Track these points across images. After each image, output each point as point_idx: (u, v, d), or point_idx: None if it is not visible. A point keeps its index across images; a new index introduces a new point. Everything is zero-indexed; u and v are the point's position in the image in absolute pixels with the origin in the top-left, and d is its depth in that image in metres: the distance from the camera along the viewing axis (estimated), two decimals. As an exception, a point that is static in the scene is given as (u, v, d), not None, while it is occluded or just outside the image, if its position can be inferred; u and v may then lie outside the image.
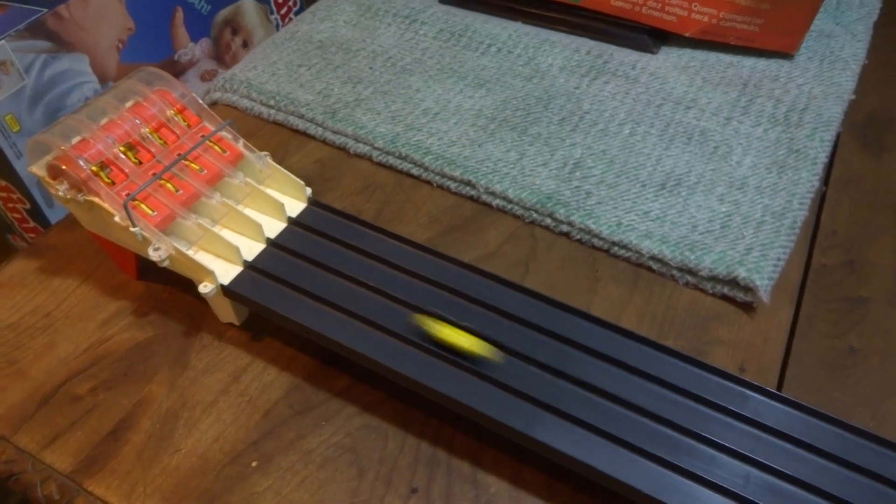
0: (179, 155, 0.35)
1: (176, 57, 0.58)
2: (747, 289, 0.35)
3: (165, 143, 0.35)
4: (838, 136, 0.45)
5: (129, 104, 0.36)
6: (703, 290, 0.36)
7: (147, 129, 0.35)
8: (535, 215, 0.40)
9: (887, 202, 0.41)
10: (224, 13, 0.65)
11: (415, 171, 0.43)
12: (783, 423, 0.29)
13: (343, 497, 0.28)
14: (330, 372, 0.33)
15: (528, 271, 0.37)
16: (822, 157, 0.42)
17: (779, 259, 0.37)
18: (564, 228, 0.39)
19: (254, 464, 0.29)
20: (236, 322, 0.34)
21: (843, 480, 0.27)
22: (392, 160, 0.43)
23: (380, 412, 0.31)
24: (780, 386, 0.33)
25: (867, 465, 0.28)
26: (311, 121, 0.46)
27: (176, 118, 0.36)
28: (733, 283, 0.36)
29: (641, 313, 0.35)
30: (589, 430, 0.29)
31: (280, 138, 0.46)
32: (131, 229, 0.32)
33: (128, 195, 0.32)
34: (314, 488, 0.28)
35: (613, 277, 0.37)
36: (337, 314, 0.32)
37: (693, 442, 0.29)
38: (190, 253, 0.32)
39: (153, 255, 0.32)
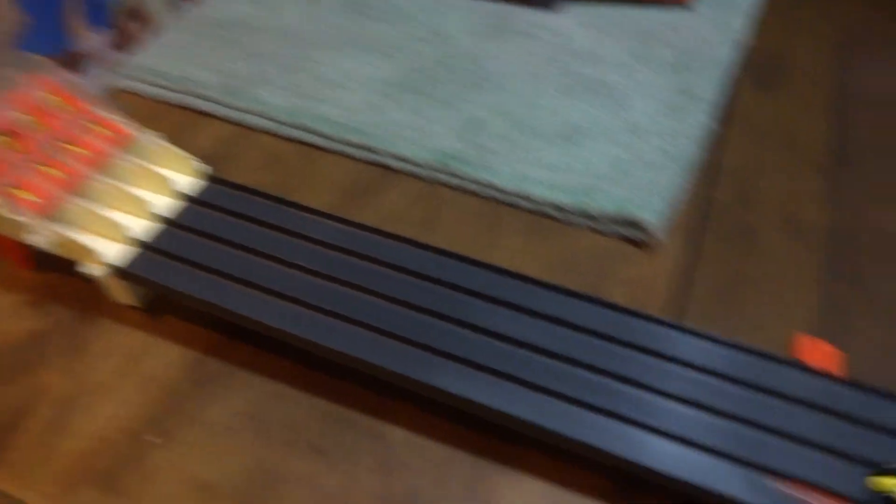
0: (61, 140, 0.34)
1: (75, 48, 0.56)
2: (643, 228, 0.36)
3: (49, 129, 0.34)
4: (734, 78, 0.46)
5: (5, 93, 0.35)
6: (602, 233, 0.37)
7: (28, 118, 0.34)
8: (438, 175, 0.40)
9: (780, 138, 0.42)
10: (125, 0, 0.63)
11: (318, 141, 0.43)
12: (683, 351, 0.30)
13: (247, 464, 0.28)
14: (233, 344, 0.32)
15: (434, 230, 0.38)
16: (717, 99, 0.43)
17: (674, 197, 0.37)
18: (468, 186, 0.39)
19: (157, 441, 0.29)
20: (134, 304, 0.34)
21: (745, 401, 0.28)
22: (295, 133, 0.43)
23: (285, 378, 0.31)
24: (679, 318, 0.33)
25: (768, 384, 0.29)
26: (213, 100, 0.45)
27: (60, 104, 0.35)
28: (630, 223, 0.36)
29: (544, 260, 0.36)
30: (490, 373, 0.29)
31: (182, 120, 0.45)
32: (11, 217, 0.31)
33: (5, 183, 0.32)
34: (218, 459, 0.28)
35: (517, 229, 0.37)
36: (239, 287, 0.32)
37: (595, 376, 0.29)
38: (75, 236, 0.32)
39: (36, 241, 0.31)
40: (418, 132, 0.42)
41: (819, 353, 0.30)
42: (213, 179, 0.37)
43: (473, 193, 0.39)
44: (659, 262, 0.36)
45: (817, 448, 0.27)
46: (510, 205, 0.38)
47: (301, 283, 0.32)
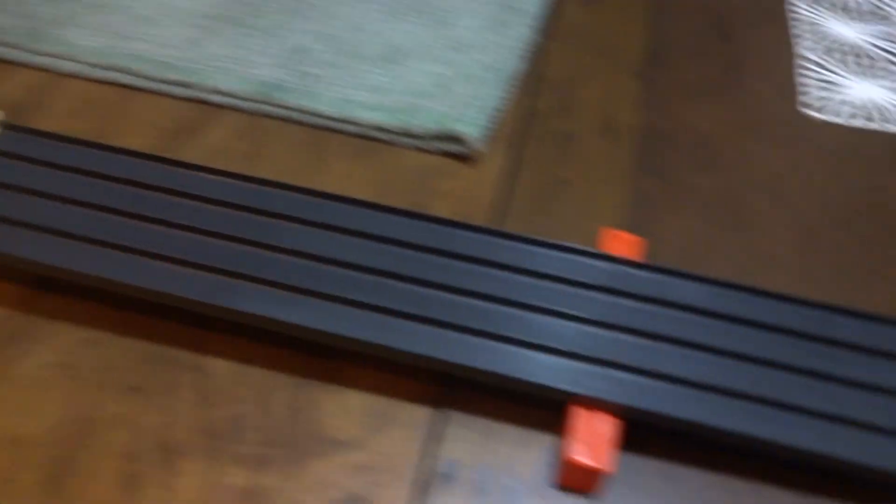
0: None
1: None
2: (464, 142, 0.36)
3: None
4: (557, -9, 0.47)
5: None
6: (426, 151, 0.37)
7: None
8: (262, 107, 0.39)
9: (600, 47, 0.43)
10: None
11: (134, 82, 0.40)
12: (501, 255, 0.31)
13: (61, 413, 0.27)
14: (41, 296, 0.31)
15: (260, 163, 0.37)
16: (540, 12, 0.44)
17: (494, 110, 0.38)
18: (293, 115, 0.39)
19: (-39, 403, 0.28)
20: (-69, 265, 0.31)
21: (554, 293, 0.29)
22: (109, 75, 0.41)
23: (97, 324, 0.30)
24: (501, 225, 0.34)
25: (576, 276, 0.30)
26: (15, 47, 0.42)
27: None
28: (451, 138, 0.37)
29: (370, 182, 0.36)
30: (313, 295, 0.29)
31: (-18, 71, 0.42)
32: None
33: None
34: (29, 412, 0.27)
35: (343, 154, 0.37)
36: (41, 236, 0.30)
37: (419, 288, 0.30)
38: None
39: None
40: (239, 64, 0.40)
41: (622, 243, 0.31)
42: (8, 127, 0.34)
43: (299, 122, 0.38)
44: (481, 174, 0.36)
45: (618, 330, 0.28)
46: (336, 130, 0.38)
47: (110, 225, 0.31)
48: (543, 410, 0.27)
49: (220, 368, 0.29)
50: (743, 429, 0.26)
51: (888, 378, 0.28)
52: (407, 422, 0.27)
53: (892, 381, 0.28)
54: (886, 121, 0.41)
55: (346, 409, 0.28)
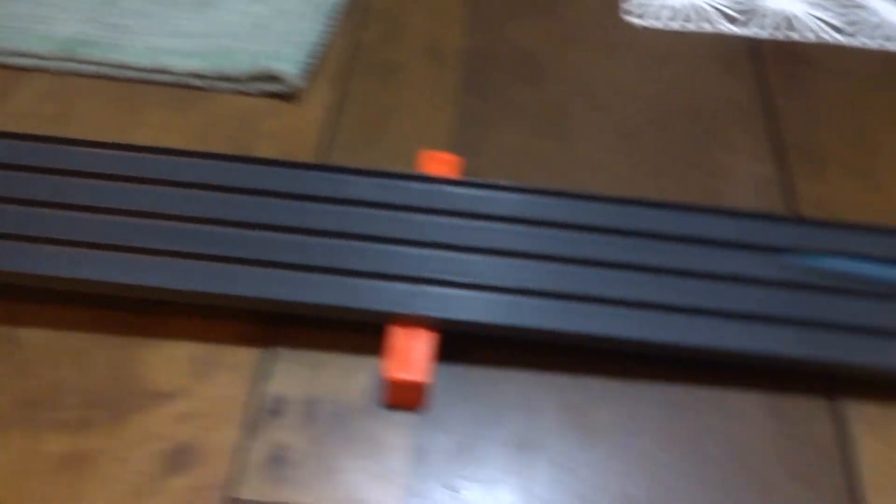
0: None
1: None
2: (284, 80, 0.36)
3: None
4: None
5: None
6: (246, 94, 0.36)
7: None
8: (67, 65, 0.37)
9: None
10: None
11: (-76, 52, 0.37)
12: (326, 189, 0.30)
13: None
14: None
15: (69, 123, 0.35)
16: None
17: (315, 45, 0.37)
18: (102, 70, 0.37)
19: None
20: None
21: (379, 220, 0.29)
22: None
23: None
24: (328, 159, 0.34)
25: (397, 200, 0.30)
26: None
27: None
28: (269, 78, 0.36)
29: (190, 131, 0.35)
30: (115, 250, 0.28)
31: None
32: None
33: None
34: None
35: (159, 105, 0.36)
36: None
37: (232, 230, 0.29)
38: None
39: None
40: (41, 23, 0.38)
41: (440, 163, 0.32)
42: None
43: (110, 77, 0.37)
44: (306, 111, 0.36)
45: (433, 247, 0.29)
46: (150, 82, 0.36)
47: None
48: (368, 335, 0.28)
49: (34, 338, 0.28)
50: (558, 326, 0.27)
51: (702, 262, 0.29)
52: (233, 365, 0.27)
53: (706, 264, 0.29)
54: (704, 20, 0.42)
55: (169, 360, 0.27)
